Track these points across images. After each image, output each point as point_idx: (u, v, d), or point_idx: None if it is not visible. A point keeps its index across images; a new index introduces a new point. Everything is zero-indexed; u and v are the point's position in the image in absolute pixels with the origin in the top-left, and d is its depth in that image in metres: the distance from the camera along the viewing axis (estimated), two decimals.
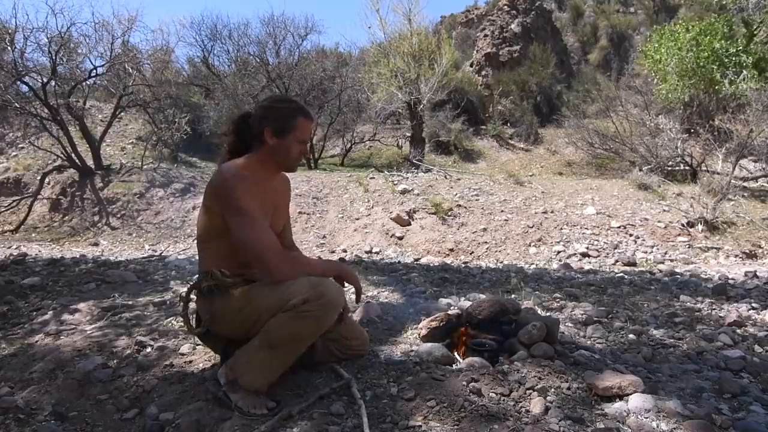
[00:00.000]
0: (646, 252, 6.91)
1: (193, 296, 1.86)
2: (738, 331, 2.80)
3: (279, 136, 1.77)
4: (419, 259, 6.75)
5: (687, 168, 10.77)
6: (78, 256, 5.97)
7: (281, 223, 1.98)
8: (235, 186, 1.69)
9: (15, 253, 6.66)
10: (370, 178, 9.94)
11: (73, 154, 10.16)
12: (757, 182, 10.42)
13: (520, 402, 1.67)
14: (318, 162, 14.28)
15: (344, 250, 7.32)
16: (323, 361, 1.92)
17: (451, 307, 2.88)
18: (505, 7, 19.31)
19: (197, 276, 1.87)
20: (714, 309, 3.32)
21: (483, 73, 18.50)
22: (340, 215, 8.54)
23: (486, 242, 7.37)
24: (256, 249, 1.68)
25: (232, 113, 13.27)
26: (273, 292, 1.67)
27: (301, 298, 1.61)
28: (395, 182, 9.62)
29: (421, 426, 1.53)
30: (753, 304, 3.41)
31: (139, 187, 10.04)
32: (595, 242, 7.19)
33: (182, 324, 2.58)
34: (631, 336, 2.65)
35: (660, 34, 13.39)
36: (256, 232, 1.69)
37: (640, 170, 10.31)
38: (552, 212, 8.13)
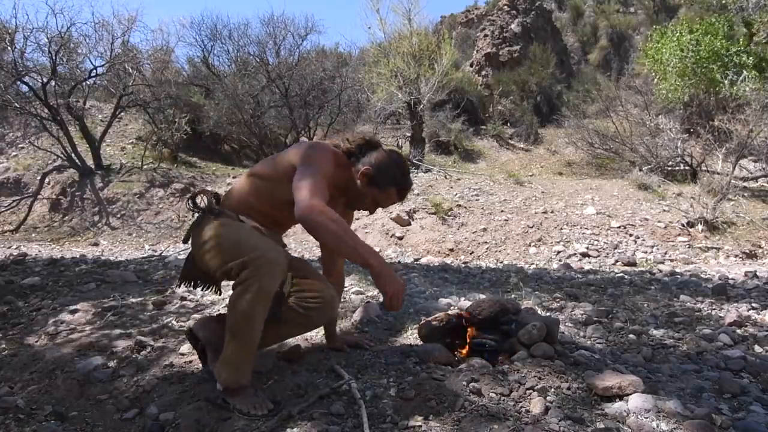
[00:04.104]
0: (646, 252, 6.91)
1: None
2: (738, 331, 2.80)
3: (368, 183, 1.83)
4: (419, 259, 6.75)
5: (687, 168, 10.77)
6: (78, 256, 5.97)
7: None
8: (325, 153, 1.76)
9: (15, 253, 6.67)
10: None
11: (73, 154, 10.16)
12: (757, 182, 10.43)
13: (520, 402, 1.67)
14: None
15: None
16: (287, 318, 1.80)
17: (451, 307, 2.88)
18: (505, 7, 19.32)
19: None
20: (714, 309, 3.32)
21: (483, 73, 18.50)
22: None
23: (486, 242, 7.37)
24: (304, 191, 1.61)
25: (232, 113, 13.28)
26: (233, 235, 1.67)
27: (241, 260, 1.57)
28: None
29: (421, 426, 1.53)
30: (753, 304, 3.41)
31: (139, 187, 10.05)
32: (595, 242, 7.19)
33: (182, 324, 2.59)
34: (631, 336, 2.65)
35: (661, 34, 13.39)
36: (315, 182, 1.64)
37: (640, 170, 10.32)
38: (552, 212, 8.13)
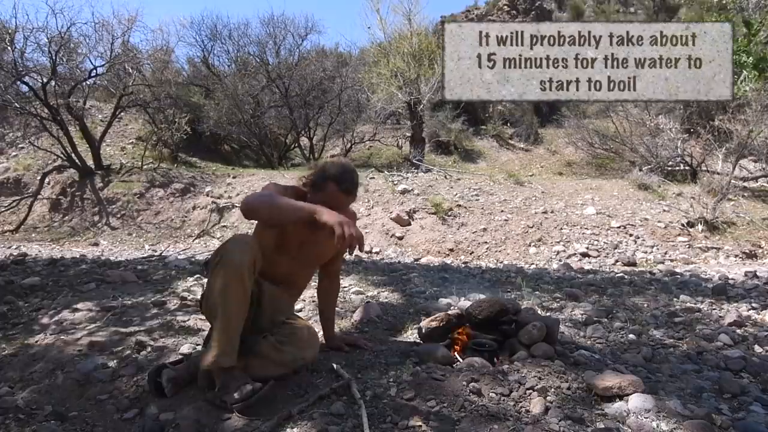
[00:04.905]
0: (646, 252, 6.91)
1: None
2: (738, 331, 2.80)
3: (311, 189, 1.90)
4: (419, 259, 6.75)
5: (687, 168, 10.77)
6: (78, 256, 5.96)
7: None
8: (283, 192, 1.86)
9: (15, 253, 6.67)
10: (370, 178, 9.93)
11: (73, 154, 10.15)
12: (757, 182, 10.43)
13: (520, 402, 1.68)
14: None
15: None
16: (263, 353, 1.84)
17: (451, 307, 2.88)
18: (505, 7, 19.34)
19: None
20: (714, 309, 3.32)
21: None
22: None
23: (486, 242, 7.37)
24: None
25: (232, 113, 13.28)
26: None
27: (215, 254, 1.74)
28: (395, 182, 9.62)
29: (421, 426, 1.53)
30: (753, 304, 3.41)
31: (139, 187, 10.04)
32: (595, 242, 7.19)
33: (182, 324, 2.59)
34: (631, 336, 2.65)
35: None
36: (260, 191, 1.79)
37: (640, 170, 10.31)
38: (552, 212, 8.13)
